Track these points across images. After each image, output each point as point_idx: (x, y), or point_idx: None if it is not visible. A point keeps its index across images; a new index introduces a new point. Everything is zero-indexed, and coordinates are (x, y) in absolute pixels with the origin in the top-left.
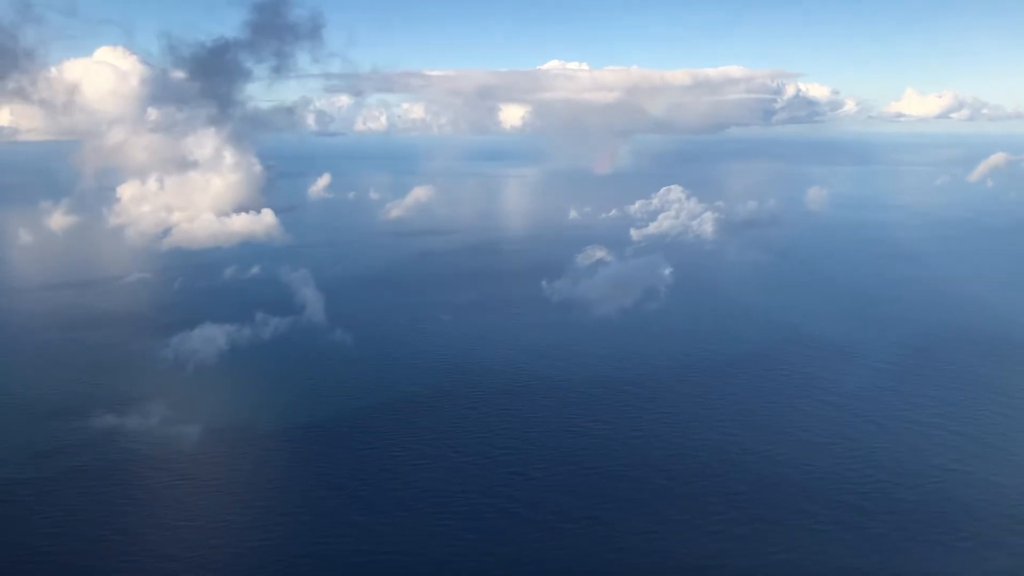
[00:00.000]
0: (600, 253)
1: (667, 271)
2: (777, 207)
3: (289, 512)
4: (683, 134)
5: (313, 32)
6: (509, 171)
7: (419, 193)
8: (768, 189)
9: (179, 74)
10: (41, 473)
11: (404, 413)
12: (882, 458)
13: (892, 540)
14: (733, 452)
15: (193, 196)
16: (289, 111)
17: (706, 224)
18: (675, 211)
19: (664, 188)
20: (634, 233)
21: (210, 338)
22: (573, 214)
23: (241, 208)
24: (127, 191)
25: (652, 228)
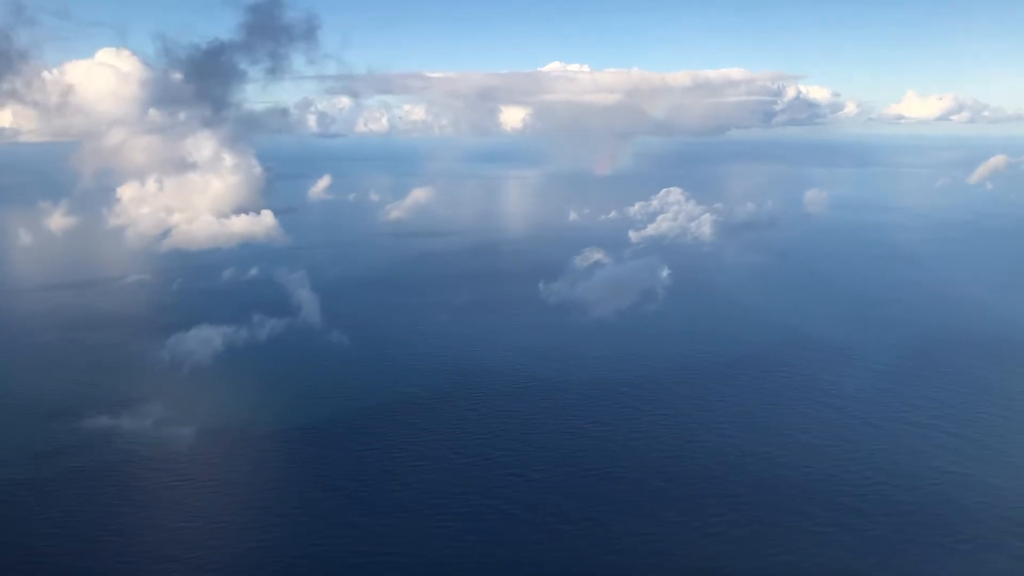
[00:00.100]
0: (598, 255)
1: (664, 273)
2: (776, 209)
3: (287, 513)
4: (684, 136)
5: (308, 34)
6: (509, 173)
7: (419, 194)
8: (768, 191)
9: (175, 76)
10: (39, 474)
11: (403, 414)
12: (881, 460)
13: (890, 542)
14: (731, 454)
15: (192, 197)
16: (283, 113)
17: (704, 226)
18: (674, 213)
19: (664, 190)
20: (632, 235)
21: (208, 339)
22: (573, 216)
23: (241, 209)
24: (127, 192)
25: (650, 230)
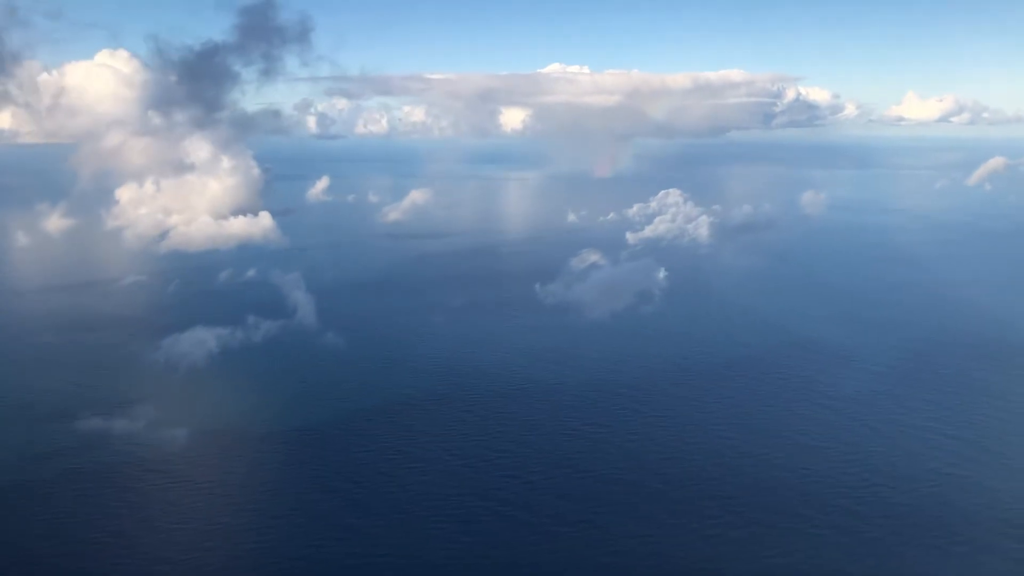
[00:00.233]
0: (594, 257)
1: (662, 275)
2: (773, 210)
3: (283, 515)
4: (684, 138)
5: (301, 36)
6: (509, 174)
7: (417, 196)
8: (767, 193)
9: (168, 77)
10: (36, 475)
11: (399, 416)
12: (878, 462)
13: (887, 544)
14: (729, 456)
15: (191, 199)
16: (276, 114)
17: (702, 228)
18: (671, 215)
19: (662, 192)
20: (630, 237)
21: (204, 341)
22: (571, 217)
23: (239, 211)
24: (125, 194)
25: (648, 232)
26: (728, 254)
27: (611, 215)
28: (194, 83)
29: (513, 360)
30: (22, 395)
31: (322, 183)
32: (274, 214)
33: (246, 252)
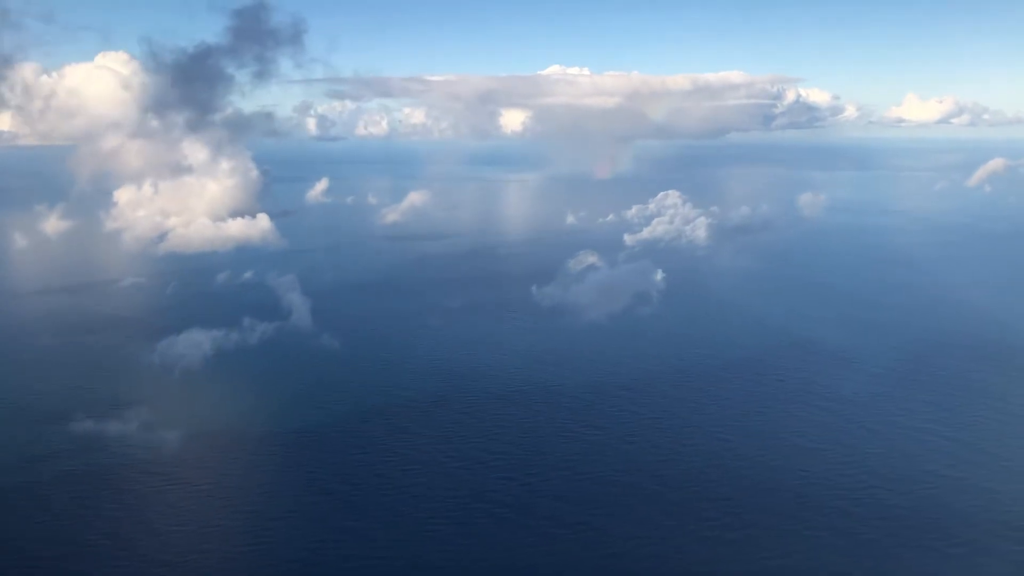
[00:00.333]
0: (592, 258)
1: (658, 276)
2: (772, 212)
3: (279, 517)
4: (684, 139)
5: (295, 38)
6: (509, 176)
7: (417, 198)
8: (766, 194)
9: (161, 79)
10: (33, 478)
11: (396, 418)
12: (876, 464)
13: (885, 546)
14: (726, 457)
15: (189, 201)
16: (268, 117)
17: (699, 229)
18: (669, 216)
19: (661, 193)
20: (628, 238)
21: (199, 343)
22: (570, 219)
23: (237, 213)
24: (124, 195)
25: (646, 233)
26: (725, 255)
27: (610, 217)
28: (188, 85)
29: (510, 362)
30: (20, 397)
31: (321, 185)
32: (273, 216)
33: (244, 254)
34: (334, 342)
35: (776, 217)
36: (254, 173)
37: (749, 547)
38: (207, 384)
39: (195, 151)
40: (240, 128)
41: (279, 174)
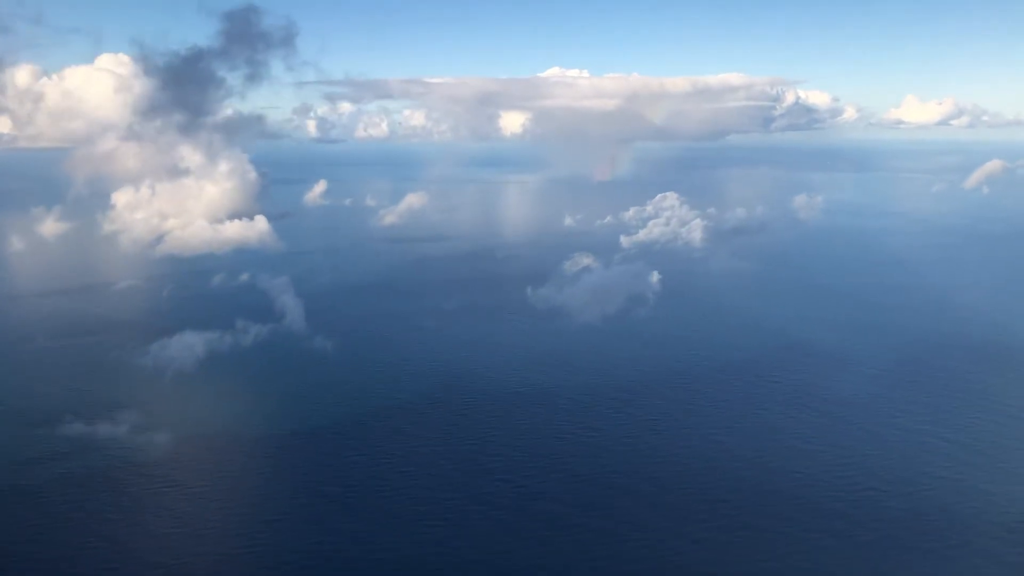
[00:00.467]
0: (587, 260)
1: (655, 278)
2: (768, 214)
3: (275, 519)
4: (683, 141)
5: (286, 40)
6: (509, 178)
7: (415, 200)
8: (764, 196)
9: (154, 82)
10: (28, 480)
11: (392, 419)
12: (872, 466)
13: (881, 548)
14: (722, 459)
15: (187, 203)
16: (260, 119)
17: (695, 231)
18: (666, 218)
19: (659, 195)
20: (624, 240)
21: (194, 345)
22: (568, 221)
23: (235, 215)
24: (122, 198)
25: (642, 235)
26: (721, 257)
27: (608, 218)
28: (180, 88)
29: (505, 363)
30: (15, 399)
31: (319, 187)
32: (271, 218)
33: (242, 256)
34: (330, 344)
35: (772, 219)
36: (252, 175)
37: (746, 549)
38: (201, 386)
39: (192, 153)
40: (231, 130)
41: (278, 176)
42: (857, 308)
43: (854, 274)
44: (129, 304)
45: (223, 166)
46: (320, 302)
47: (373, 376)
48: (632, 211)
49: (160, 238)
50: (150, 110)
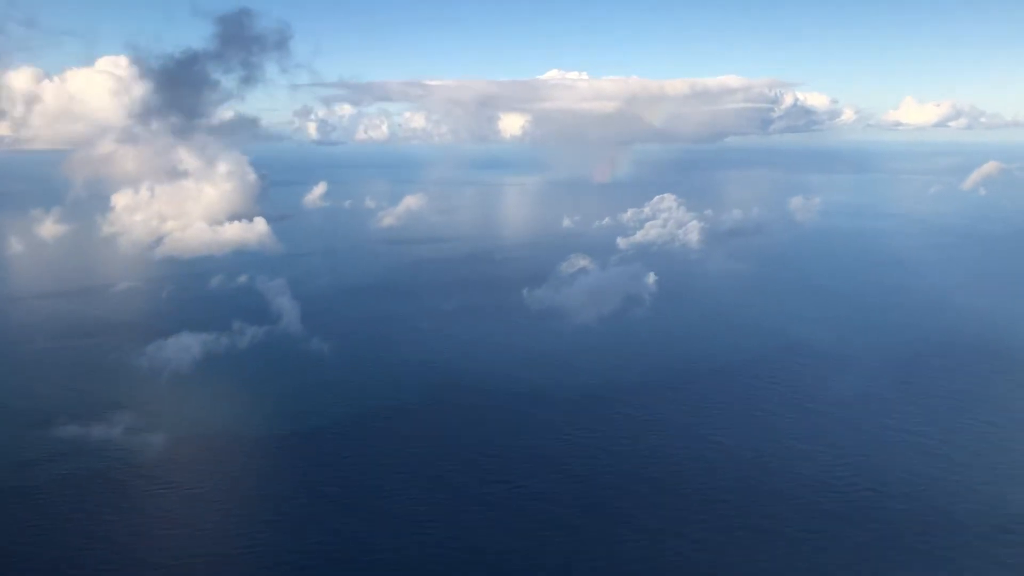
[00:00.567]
0: (583, 261)
1: (651, 280)
2: (766, 215)
3: (272, 520)
4: (682, 143)
5: (280, 43)
6: (508, 180)
7: (413, 202)
8: (762, 198)
9: (148, 85)
10: (25, 481)
11: (388, 421)
12: (869, 466)
13: (878, 549)
14: (717, 460)
15: (186, 205)
16: (252, 122)
17: (692, 232)
18: (663, 220)
19: (657, 197)
20: (620, 241)
21: (189, 346)
22: (566, 222)
23: (234, 217)
24: (121, 200)
25: (639, 236)
26: (717, 259)
27: (606, 220)
28: (176, 91)
29: (501, 364)
30: (14, 400)
31: (319, 189)
32: (270, 220)
33: (241, 258)
34: (327, 345)
35: (769, 221)
36: (251, 177)
37: (744, 550)
38: (198, 387)
39: (190, 156)
40: (226, 133)
41: (278, 178)
42: (853, 309)
43: (850, 275)
44: (128, 306)
45: (222, 168)
46: (318, 303)
47: (370, 377)
48: (630, 213)
49: (159, 240)
50: (145, 112)
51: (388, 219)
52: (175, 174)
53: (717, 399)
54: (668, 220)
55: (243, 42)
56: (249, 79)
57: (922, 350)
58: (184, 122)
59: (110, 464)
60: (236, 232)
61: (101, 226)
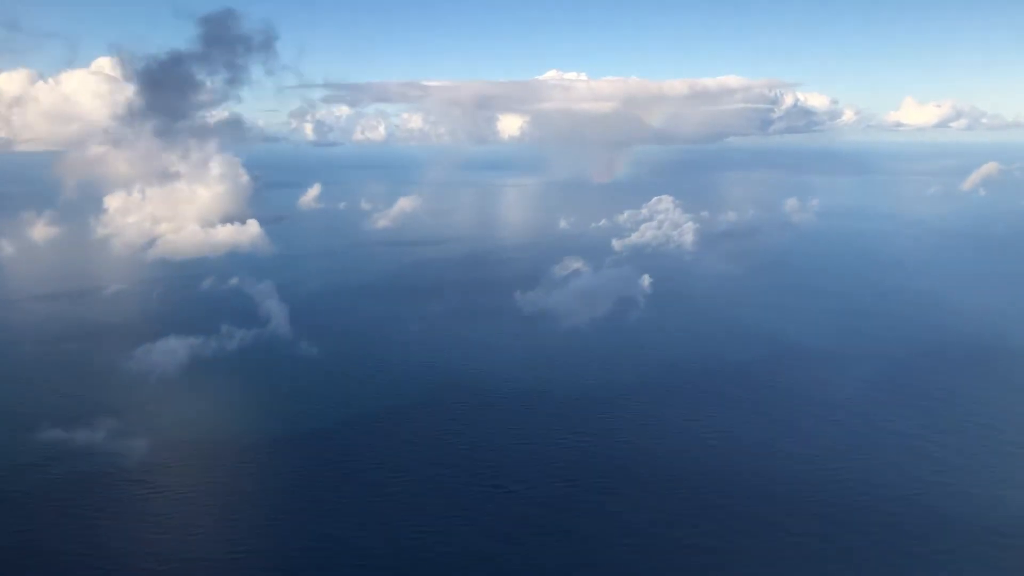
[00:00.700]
0: (576, 264)
1: (646, 281)
2: (762, 217)
3: (262, 524)
4: (682, 144)
5: (266, 44)
6: (506, 181)
7: (407, 203)
8: (760, 199)
9: (133, 86)
10: (13, 487)
11: (379, 424)
12: (863, 469)
13: (873, 553)
14: (711, 464)
15: (179, 207)
16: (237, 124)
17: (687, 234)
18: (658, 221)
19: (655, 198)
20: (616, 243)
21: (180, 350)
22: (563, 224)
23: (227, 219)
24: (114, 202)
25: (634, 238)
26: (712, 261)
27: (602, 221)
28: (160, 92)
29: (490, 367)
30: (2, 404)
31: (314, 190)
32: (265, 222)
33: (233, 260)
34: (316, 348)
35: (765, 222)
36: (244, 179)
37: (738, 554)
38: (186, 391)
39: (181, 157)
40: (210, 134)
41: (274, 180)
42: (849, 310)
43: (847, 276)
44: (119, 308)
45: (215, 170)
46: (308, 306)
47: (359, 380)
48: (626, 214)
49: (152, 242)
50: (130, 114)
51: (383, 221)
52: (167, 176)
53: (711, 401)
54: (664, 222)
55: (227, 43)
56: (234, 80)
57: (919, 352)
58: (169, 123)
59: (98, 468)
60: (229, 234)
61: (93, 228)
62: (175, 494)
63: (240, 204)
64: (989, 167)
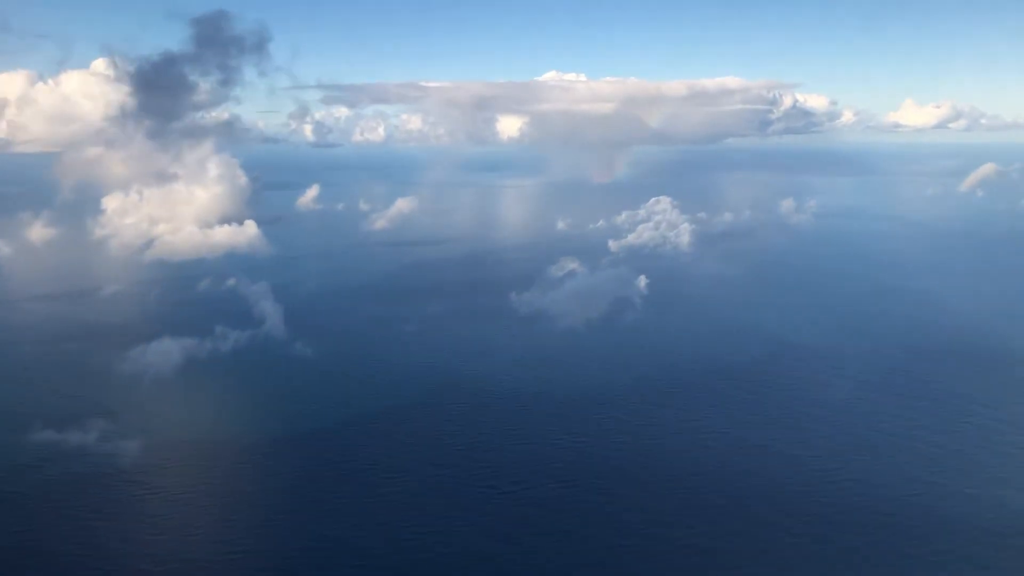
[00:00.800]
0: (572, 264)
1: (639, 282)
2: (760, 218)
3: (258, 525)
4: (681, 145)
5: (259, 46)
6: (505, 182)
7: (405, 204)
8: (758, 200)
9: (126, 87)
10: (10, 487)
11: (375, 425)
12: (860, 470)
13: (868, 554)
14: (708, 464)
15: (177, 208)
16: (229, 124)
17: (684, 235)
18: (656, 222)
19: (653, 199)
20: (612, 244)
21: (175, 351)
22: (561, 224)
23: (225, 220)
24: (112, 203)
25: (631, 239)
26: (708, 262)
27: (600, 222)
28: (153, 93)
29: (486, 368)
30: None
31: (312, 191)
32: (263, 223)
33: (231, 261)
34: (312, 349)
35: (762, 223)
36: (242, 180)
37: (733, 555)
38: (180, 392)
39: (179, 158)
40: (202, 135)
41: (273, 180)
42: (846, 311)
43: (844, 277)
44: (116, 309)
45: (212, 171)
46: (307, 306)
47: (355, 380)
48: (624, 215)
49: (150, 243)
50: (123, 115)
51: (381, 222)
52: (164, 177)
53: (708, 402)
54: (661, 223)
55: (220, 44)
56: (227, 82)
57: (918, 352)
58: (163, 124)
59: (95, 469)
60: (226, 235)
61: (91, 229)
62: (172, 495)
63: (238, 205)
64: (987, 168)
